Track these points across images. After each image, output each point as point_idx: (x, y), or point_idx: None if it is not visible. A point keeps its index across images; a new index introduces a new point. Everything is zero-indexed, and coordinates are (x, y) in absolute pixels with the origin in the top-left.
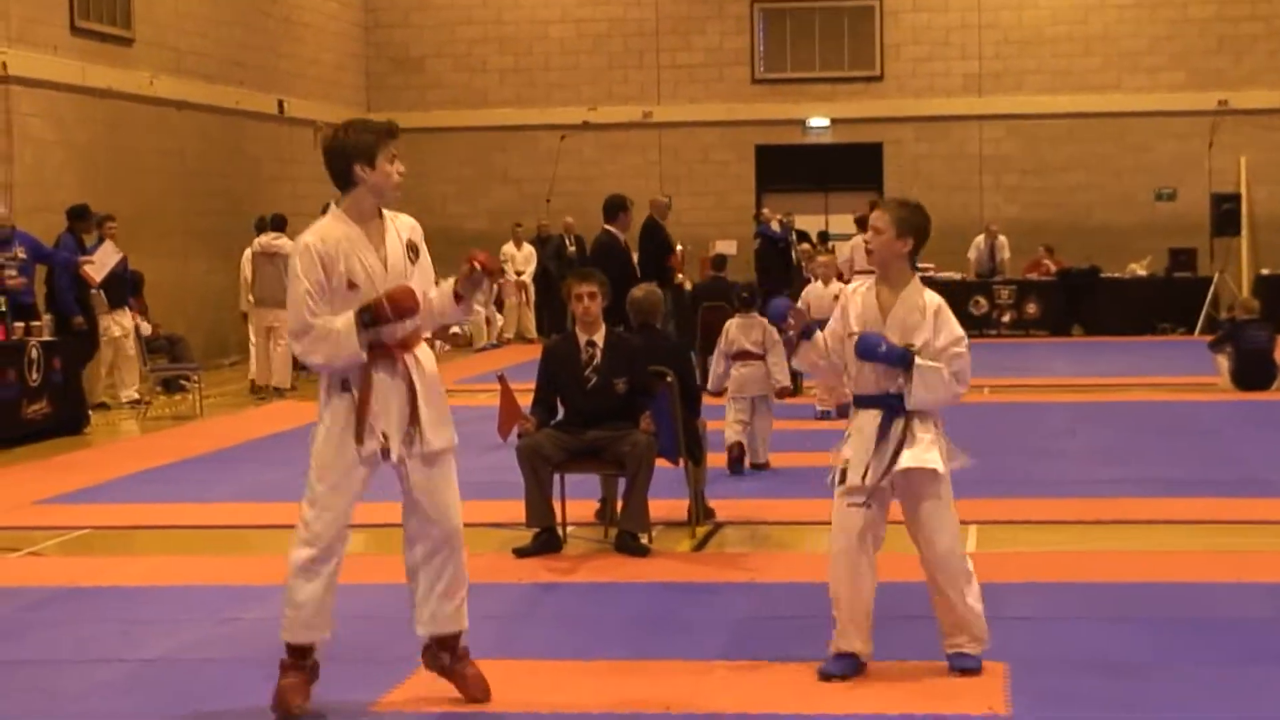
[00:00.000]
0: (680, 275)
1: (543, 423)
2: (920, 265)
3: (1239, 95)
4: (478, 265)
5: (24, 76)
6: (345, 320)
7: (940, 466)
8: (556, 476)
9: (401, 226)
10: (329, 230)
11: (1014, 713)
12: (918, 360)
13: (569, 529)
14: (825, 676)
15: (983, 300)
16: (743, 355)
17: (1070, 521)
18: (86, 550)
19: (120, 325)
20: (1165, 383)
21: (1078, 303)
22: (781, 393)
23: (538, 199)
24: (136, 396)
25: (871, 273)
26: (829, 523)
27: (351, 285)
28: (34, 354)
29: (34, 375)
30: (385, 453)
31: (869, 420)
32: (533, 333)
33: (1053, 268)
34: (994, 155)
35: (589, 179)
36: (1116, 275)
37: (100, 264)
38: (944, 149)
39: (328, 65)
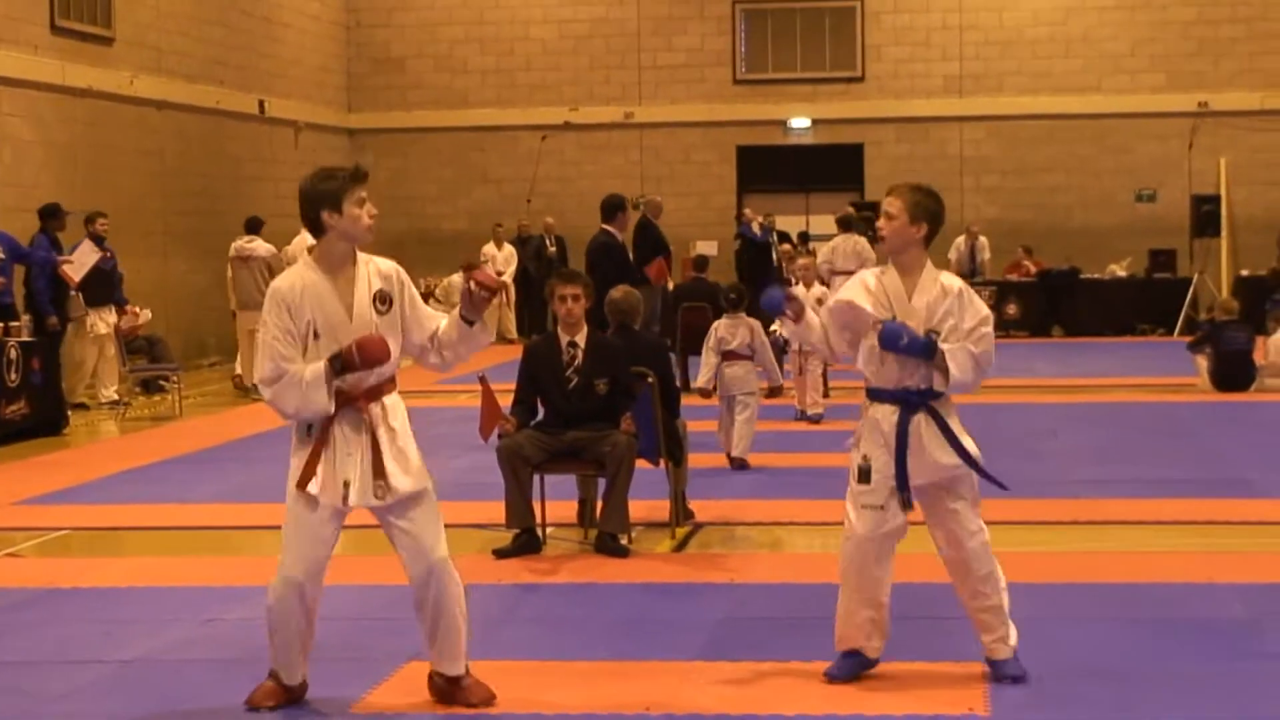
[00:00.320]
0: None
1: (523, 423)
2: None
3: (1219, 97)
4: (474, 285)
5: (3, 76)
6: (314, 371)
7: (980, 458)
8: (536, 477)
9: (373, 274)
10: (297, 278)
11: (994, 713)
12: (943, 345)
13: (549, 530)
14: (831, 678)
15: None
16: (729, 355)
17: (1049, 522)
18: (66, 551)
19: (105, 323)
20: (1145, 383)
21: (1058, 304)
22: (773, 392)
23: (518, 199)
24: (115, 397)
25: (850, 273)
26: (809, 523)
27: (316, 335)
28: (13, 354)
29: (13, 376)
30: (345, 499)
31: (886, 416)
32: (513, 333)
33: (1033, 269)
34: (974, 156)
35: (570, 179)
36: (1096, 276)
37: (79, 264)
38: (925, 150)
39: (309, 65)
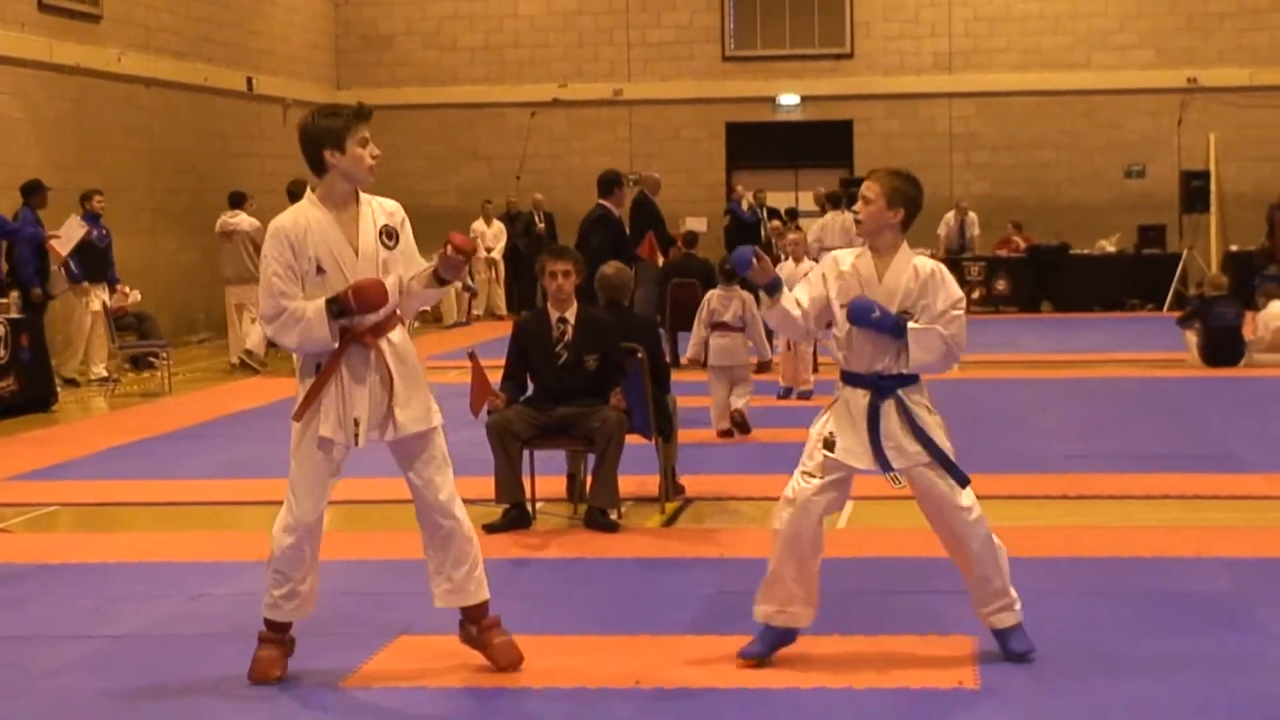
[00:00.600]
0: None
1: (513, 399)
2: None
3: (1208, 73)
4: (451, 248)
5: None
6: (315, 307)
7: (949, 449)
8: (526, 453)
9: (378, 211)
10: (300, 215)
11: (983, 686)
12: (911, 324)
13: (538, 505)
14: (748, 656)
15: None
16: (721, 327)
17: (1039, 497)
18: (55, 527)
19: (98, 299)
20: (1134, 359)
21: (1047, 279)
22: (761, 367)
23: (507, 176)
24: (105, 374)
25: (842, 249)
26: None
27: (320, 270)
28: (1, 331)
29: (1, 352)
30: (355, 439)
31: (856, 400)
32: (503, 309)
33: (1022, 244)
34: (964, 133)
35: (559, 156)
36: (1086, 252)
37: (66, 238)
38: (914, 126)
39: (297, 43)
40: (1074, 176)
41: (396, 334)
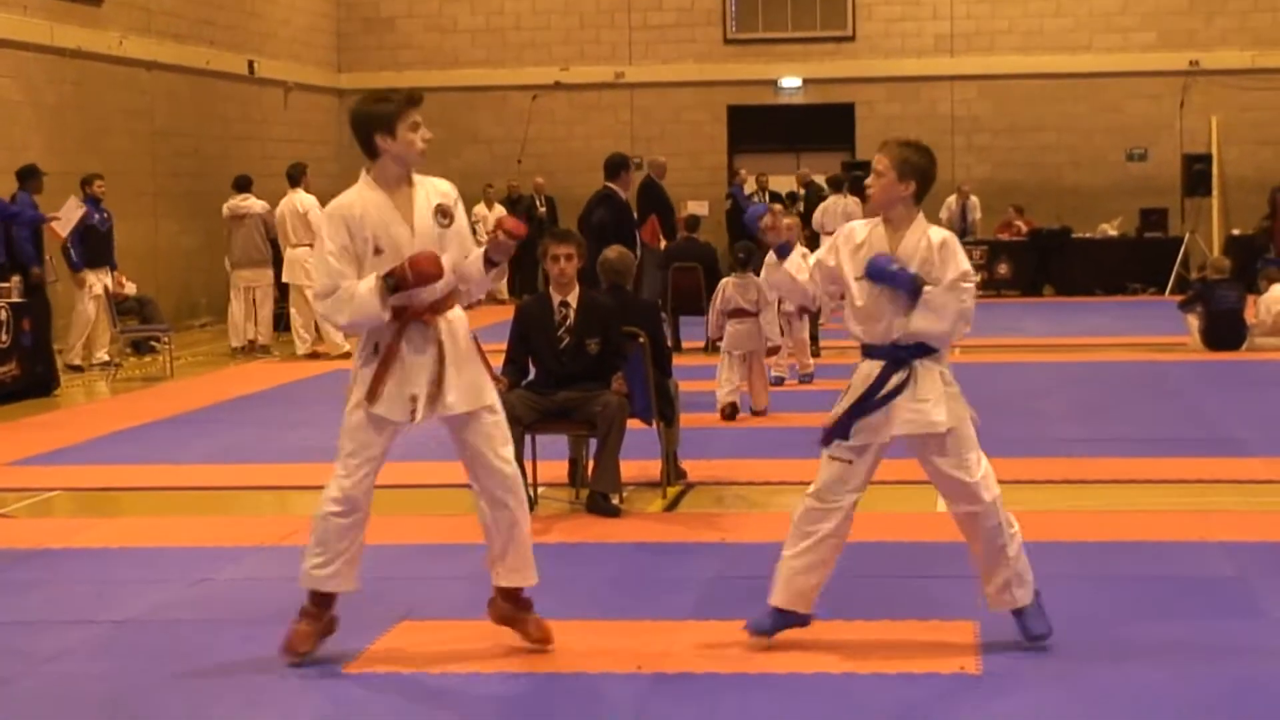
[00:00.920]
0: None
1: (514, 383)
2: None
3: (1210, 56)
4: (501, 232)
5: None
6: (368, 284)
7: (944, 423)
8: (528, 437)
9: (432, 192)
10: (357, 196)
11: (984, 671)
12: (927, 287)
13: (540, 490)
14: (758, 631)
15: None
16: (738, 313)
17: (1041, 481)
18: (57, 512)
19: (101, 283)
20: (1136, 343)
21: (1049, 263)
22: (771, 350)
23: (509, 160)
24: (107, 358)
25: None
26: (801, 483)
27: (377, 250)
28: (2, 315)
29: (3, 337)
30: (413, 415)
31: (872, 371)
32: (504, 293)
33: (1024, 228)
34: (965, 116)
35: (560, 139)
36: (1088, 235)
37: (65, 220)
38: (915, 109)
39: (299, 25)
40: (1075, 160)
41: (453, 313)
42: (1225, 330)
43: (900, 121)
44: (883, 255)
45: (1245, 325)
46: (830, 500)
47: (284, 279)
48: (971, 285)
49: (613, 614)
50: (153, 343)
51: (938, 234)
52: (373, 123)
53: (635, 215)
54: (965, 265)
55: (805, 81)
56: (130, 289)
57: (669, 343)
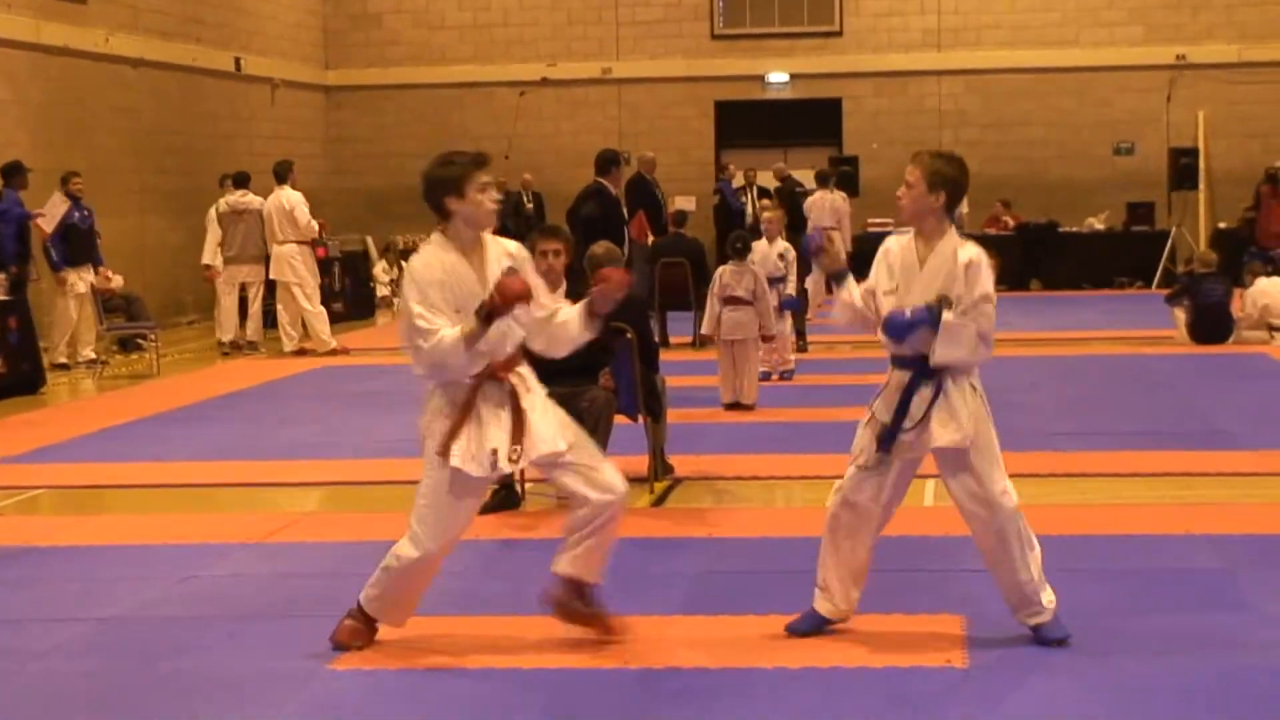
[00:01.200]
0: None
1: None
2: (879, 220)
3: (1197, 50)
4: (607, 283)
5: None
6: (452, 335)
7: (969, 438)
8: None
9: (500, 253)
10: (433, 258)
11: (971, 665)
12: (945, 316)
13: (527, 486)
14: (792, 631)
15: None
16: (734, 301)
17: (1028, 475)
18: (44, 510)
19: (84, 281)
20: (1123, 336)
21: (1036, 257)
22: (766, 338)
23: (496, 156)
24: (93, 356)
25: (826, 229)
26: (788, 478)
27: (457, 311)
28: None
29: None
30: (494, 466)
31: (902, 381)
32: None
33: (1011, 222)
34: (952, 110)
35: (548, 136)
36: (1075, 229)
37: (50, 216)
38: (903, 104)
39: (285, 22)
40: (1063, 154)
41: (523, 367)
42: (1212, 323)
43: (887, 116)
44: (895, 314)
45: (1232, 318)
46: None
47: (271, 275)
48: (990, 306)
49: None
50: (139, 340)
51: (967, 251)
52: (441, 186)
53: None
54: (987, 288)
55: (792, 76)
56: (117, 282)
57: (656, 338)
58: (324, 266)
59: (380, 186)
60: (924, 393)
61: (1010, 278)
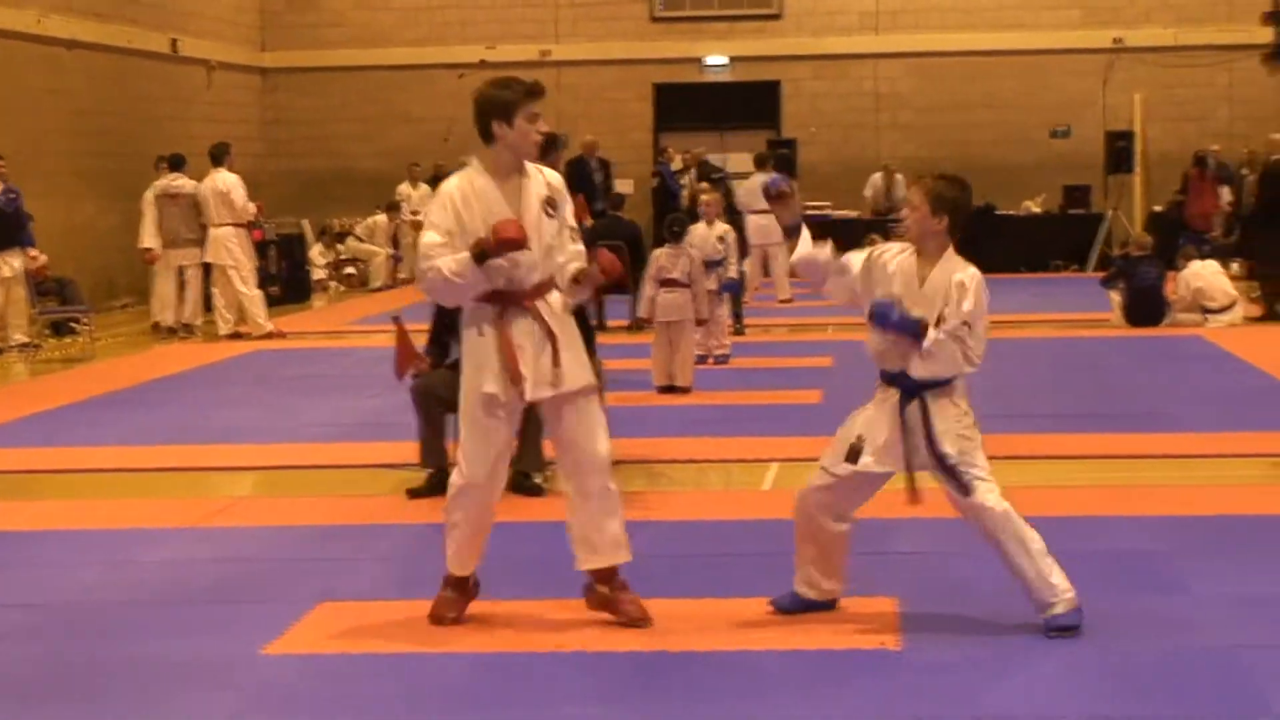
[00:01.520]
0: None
1: (437, 363)
2: (816, 204)
3: (1134, 33)
4: (597, 266)
5: None
6: (458, 258)
7: (951, 455)
8: (450, 417)
9: (541, 183)
10: (466, 182)
11: (905, 647)
12: (930, 331)
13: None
14: (775, 606)
15: (879, 238)
16: (669, 283)
17: None
18: None
19: (10, 266)
20: (1059, 319)
21: (973, 240)
22: (700, 321)
23: (435, 138)
24: (25, 340)
25: (765, 212)
26: (725, 461)
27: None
28: None
29: None
30: (522, 394)
31: (889, 397)
32: None
33: None
34: (890, 93)
35: None
36: (1011, 213)
37: None
38: (841, 87)
39: (222, 4)
40: (1000, 137)
41: (554, 296)
42: (1147, 306)
43: (826, 99)
44: (885, 302)
45: (1166, 301)
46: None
47: (207, 259)
48: (971, 327)
49: (535, 593)
50: (72, 324)
51: (961, 273)
52: (491, 109)
53: None
54: (972, 307)
55: (731, 59)
56: (42, 261)
57: (594, 321)
58: (260, 250)
59: (317, 169)
60: (912, 410)
61: None
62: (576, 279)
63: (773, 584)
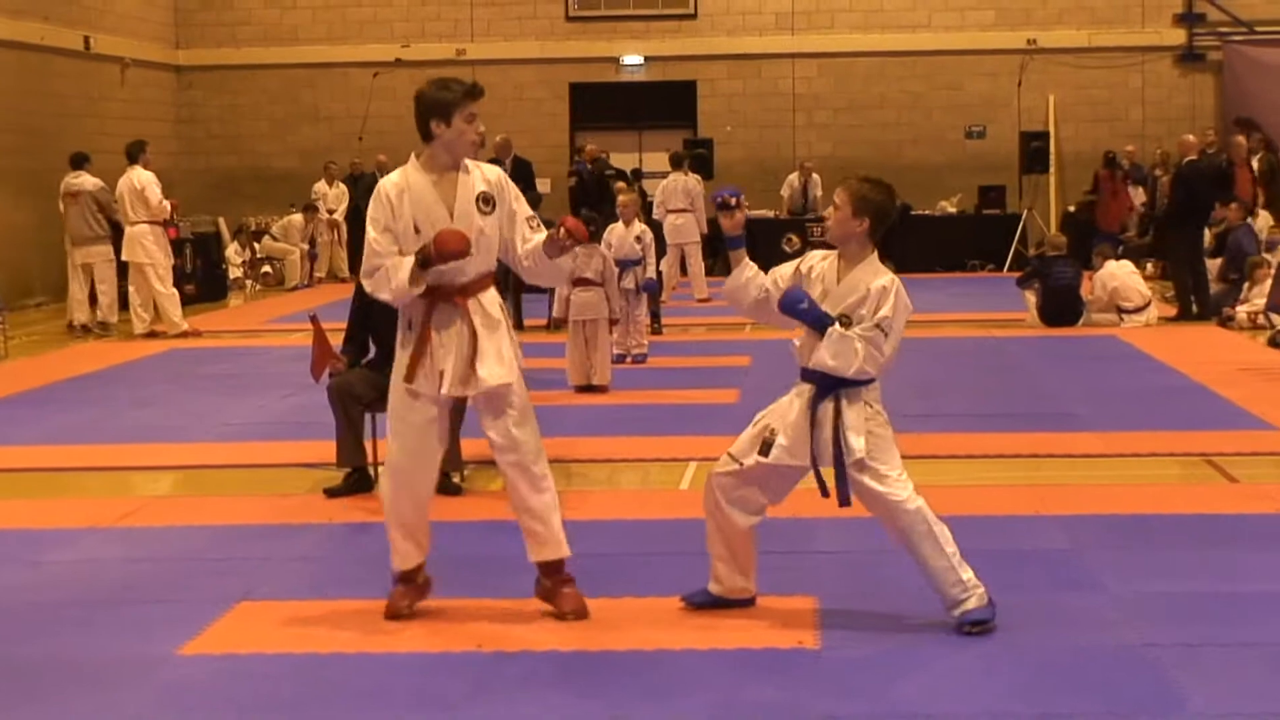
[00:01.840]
0: None
1: (354, 362)
2: None
3: (1047, 34)
4: (563, 230)
5: None
6: (405, 262)
7: (861, 451)
8: (368, 416)
9: (478, 179)
10: (402, 177)
11: (823, 645)
12: (836, 327)
13: (380, 469)
14: (686, 602)
15: (796, 238)
16: (582, 282)
17: None
18: None
19: None
20: (974, 319)
21: (889, 240)
22: (613, 321)
23: (350, 137)
24: None
25: (681, 211)
26: (641, 460)
27: (417, 230)
28: None
29: None
30: (440, 388)
31: (802, 393)
32: (345, 272)
33: None
34: (806, 93)
35: (402, 117)
36: (927, 213)
37: None
38: (757, 87)
39: (135, 1)
40: (915, 137)
41: (487, 296)
42: (1062, 306)
43: (742, 99)
44: (796, 290)
45: (1081, 301)
46: (727, 498)
47: (124, 257)
48: (879, 333)
49: (453, 593)
50: None
51: (880, 279)
52: (432, 108)
53: None
54: (888, 312)
55: (647, 59)
56: None
57: (510, 321)
58: (176, 248)
59: (231, 167)
60: (822, 406)
61: None
62: (547, 251)
63: (690, 583)
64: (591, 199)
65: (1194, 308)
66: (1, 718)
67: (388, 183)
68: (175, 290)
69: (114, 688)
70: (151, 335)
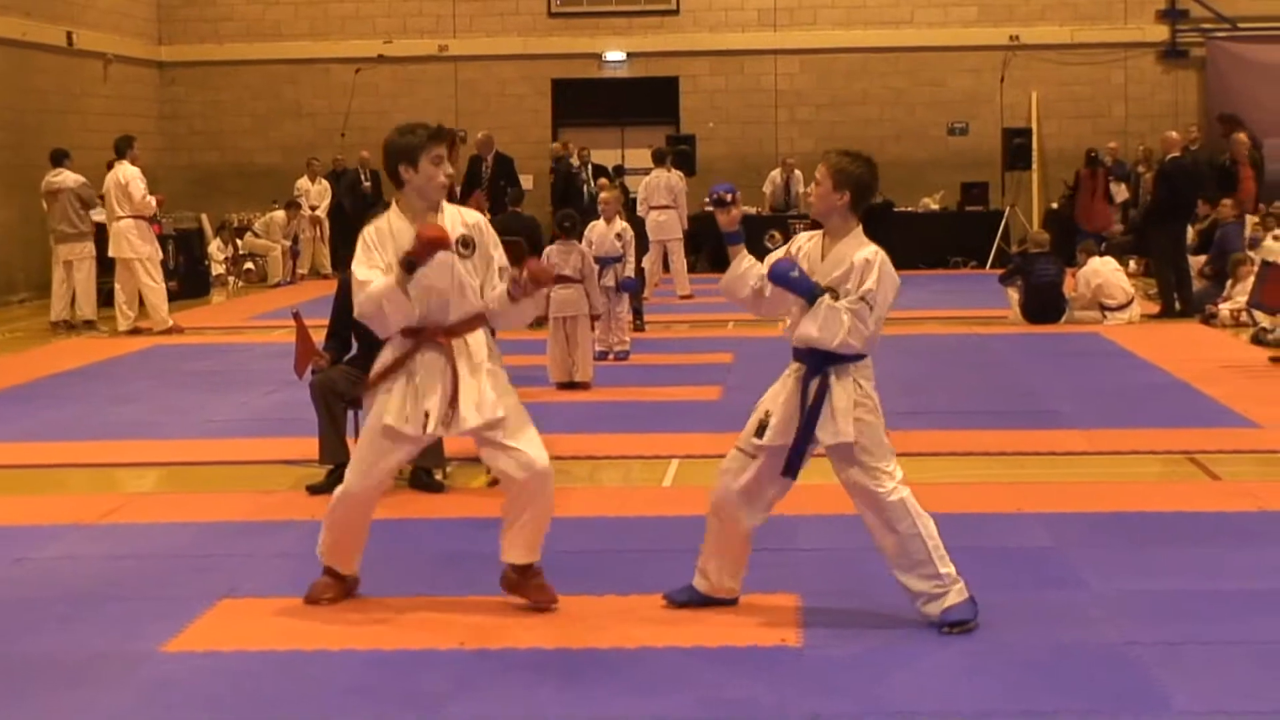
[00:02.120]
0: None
1: (337, 359)
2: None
3: (1030, 31)
4: (527, 274)
5: None
6: (385, 281)
7: (848, 435)
8: (350, 413)
9: (457, 222)
10: (384, 222)
11: (805, 643)
12: (827, 300)
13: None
14: (668, 600)
15: (778, 234)
16: (561, 279)
17: None
18: None
19: None
20: (957, 315)
21: (871, 236)
22: (594, 318)
23: (332, 133)
24: None
25: (664, 208)
26: (624, 457)
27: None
28: None
29: None
30: (424, 428)
31: (793, 373)
32: (328, 268)
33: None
34: (789, 90)
35: (385, 113)
36: (909, 209)
37: None
38: (739, 83)
39: None
40: (898, 133)
41: (474, 337)
42: (1045, 303)
43: (724, 95)
44: (785, 260)
45: (1064, 298)
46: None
47: (110, 253)
48: (863, 306)
49: (437, 590)
50: None
51: (864, 251)
52: (397, 154)
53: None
54: (872, 285)
55: (629, 55)
56: None
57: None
58: (159, 244)
59: (214, 164)
60: (811, 387)
61: None
62: (510, 295)
63: (673, 580)
64: (558, 195)
65: (1177, 305)
66: None
67: (369, 227)
68: (163, 285)
69: (97, 685)
70: (136, 332)
